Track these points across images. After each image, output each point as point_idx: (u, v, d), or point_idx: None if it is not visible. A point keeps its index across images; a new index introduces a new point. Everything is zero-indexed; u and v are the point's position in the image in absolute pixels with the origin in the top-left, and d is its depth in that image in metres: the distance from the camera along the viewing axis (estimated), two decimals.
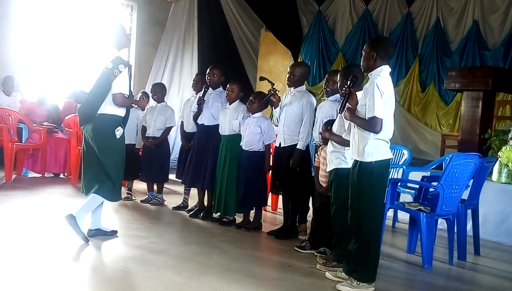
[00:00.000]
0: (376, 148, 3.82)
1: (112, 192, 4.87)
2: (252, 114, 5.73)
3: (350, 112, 3.95)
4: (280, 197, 5.82)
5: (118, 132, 4.82)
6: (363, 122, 3.83)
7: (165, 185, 7.10)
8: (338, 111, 4.18)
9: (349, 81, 4.06)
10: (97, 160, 4.81)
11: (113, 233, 5.05)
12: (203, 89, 6.18)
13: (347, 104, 4.01)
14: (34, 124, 8.32)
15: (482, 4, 10.36)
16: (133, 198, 6.99)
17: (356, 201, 3.95)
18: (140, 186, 7.47)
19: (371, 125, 3.77)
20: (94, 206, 4.87)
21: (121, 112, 4.85)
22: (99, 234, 4.92)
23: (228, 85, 5.96)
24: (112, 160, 4.84)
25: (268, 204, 6.66)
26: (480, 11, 10.36)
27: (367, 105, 3.79)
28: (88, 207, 4.83)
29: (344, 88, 4.07)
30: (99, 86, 4.74)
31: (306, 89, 5.57)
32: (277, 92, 5.49)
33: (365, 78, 4.23)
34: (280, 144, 5.46)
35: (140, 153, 7.19)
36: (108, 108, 4.76)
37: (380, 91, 3.74)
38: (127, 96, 4.83)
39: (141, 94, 8.76)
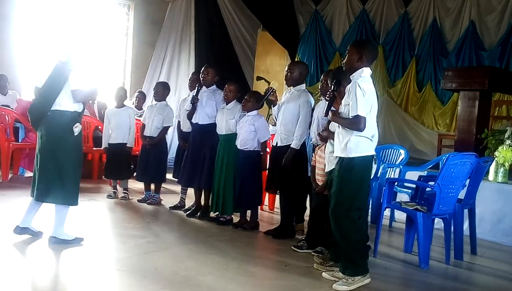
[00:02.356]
0: (358, 145, 3.90)
1: (71, 195, 4.58)
2: (247, 113, 5.73)
3: (333, 114, 4.06)
4: (277, 196, 5.82)
5: (77, 128, 4.54)
6: (347, 121, 3.92)
7: (162, 185, 7.09)
8: (323, 114, 4.31)
9: (333, 86, 4.21)
10: (53, 163, 4.51)
11: (39, 234, 4.74)
12: (197, 88, 6.19)
13: (332, 107, 4.14)
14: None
15: (478, 5, 10.41)
16: (130, 197, 6.98)
17: (335, 197, 4.03)
18: (136, 185, 7.46)
19: (355, 123, 3.86)
20: (64, 214, 4.62)
21: (78, 107, 4.58)
22: (26, 233, 4.67)
23: (226, 86, 5.97)
24: (69, 160, 4.55)
25: (265, 204, 6.66)
26: (477, 11, 10.40)
27: (350, 105, 3.89)
28: (60, 220, 4.60)
29: (328, 92, 4.23)
30: (53, 81, 4.46)
31: (305, 89, 5.58)
32: (274, 90, 5.50)
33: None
34: (277, 143, 5.46)
35: (132, 152, 7.20)
36: (64, 104, 4.48)
37: (362, 91, 3.84)
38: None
39: (137, 93, 8.81)
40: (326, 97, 4.34)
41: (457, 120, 8.10)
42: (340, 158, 4.02)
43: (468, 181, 5.16)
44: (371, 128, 3.93)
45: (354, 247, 4.01)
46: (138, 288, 3.72)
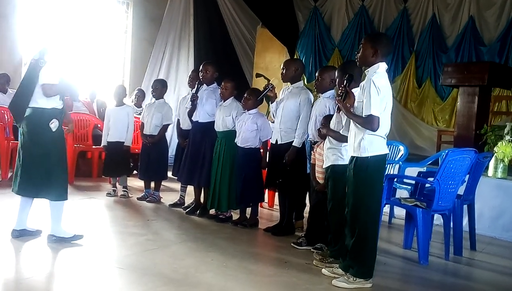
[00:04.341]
0: (372, 143, 3.83)
1: (59, 191, 4.58)
2: (247, 110, 5.73)
3: (346, 109, 3.97)
4: (277, 193, 5.82)
5: (53, 125, 4.50)
6: (360, 120, 3.85)
7: (162, 182, 7.09)
8: (336, 110, 4.23)
9: (345, 81, 4.08)
10: (34, 159, 4.51)
11: (38, 233, 4.75)
12: (196, 85, 6.19)
13: (345, 102, 4.01)
14: None
15: (478, 0, 10.37)
16: (129, 195, 6.98)
17: (352, 196, 3.96)
18: (136, 183, 7.46)
19: (368, 123, 3.78)
20: (60, 211, 4.61)
21: (56, 104, 4.57)
22: (24, 235, 4.64)
23: (222, 83, 5.97)
24: (51, 156, 4.54)
25: (265, 201, 6.66)
26: (476, 6, 10.38)
27: (363, 103, 3.81)
28: (56, 218, 4.59)
29: (341, 88, 4.10)
30: (27, 79, 4.51)
31: (304, 85, 5.58)
32: (273, 87, 5.50)
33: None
34: (276, 141, 5.46)
35: (130, 150, 7.20)
36: (40, 101, 4.49)
37: (377, 89, 3.75)
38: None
39: (137, 91, 8.81)
40: (339, 93, 4.22)
41: (457, 116, 8.09)
42: (353, 157, 3.95)
43: (467, 176, 5.16)
44: (385, 126, 3.86)
45: (366, 248, 3.96)
46: (138, 285, 3.72)
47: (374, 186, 3.93)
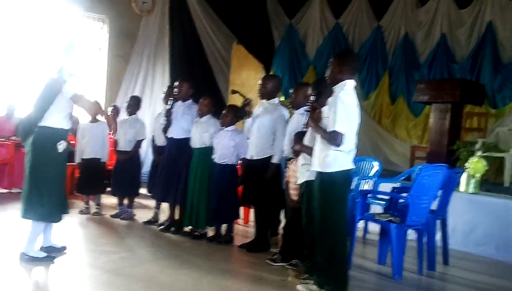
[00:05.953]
0: (337, 159, 3.89)
1: (51, 212, 4.53)
2: (225, 127, 5.74)
3: (313, 124, 4.03)
4: (252, 210, 5.82)
5: (61, 146, 4.53)
6: (326, 135, 3.90)
7: (135, 199, 7.03)
8: (302, 124, 4.27)
9: (313, 97, 4.18)
10: (34, 178, 4.49)
11: (63, 249, 4.86)
12: (169, 101, 6.18)
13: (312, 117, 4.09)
14: (2, 139, 8.19)
15: (449, 18, 10.58)
16: (102, 212, 6.89)
17: (319, 211, 4.00)
18: (109, 200, 7.38)
19: (332, 138, 3.85)
20: (38, 232, 4.58)
21: (65, 125, 4.61)
22: (52, 251, 4.70)
23: (200, 100, 5.97)
24: (52, 175, 4.52)
25: (240, 217, 6.64)
26: (448, 25, 10.58)
27: (330, 119, 3.88)
28: (32, 237, 4.54)
29: (308, 103, 4.20)
30: (44, 97, 4.51)
31: (280, 102, 5.61)
32: (251, 101, 5.54)
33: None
34: (251, 157, 5.46)
35: (106, 167, 7.14)
36: (51, 120, 4.51)
37: (344, 105, 3.81)
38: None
39: (111, 107, 8.72)
40: (306, 108, 4.31)
41: (429, 132, 8.22)
42: (318, 172, 4.01)
43: (440, 192, 5.22)
44: (350, 143, 3.91)
45: (336, 262, 3.97)
46: None
47: (339, 201, 3.98)
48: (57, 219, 4.66)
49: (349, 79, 3.97)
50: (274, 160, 5.27)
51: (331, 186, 3.92)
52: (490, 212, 6.03)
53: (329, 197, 3.95)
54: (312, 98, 4.21)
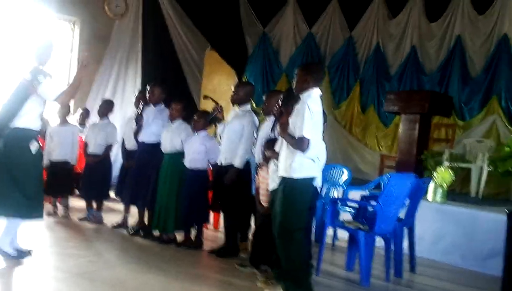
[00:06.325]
0: (302, 165, 3.97)
1: (27, 211, 4.52)
2: (197, 132, 5.73)
3: (281, 129, 4.09)
4: (222, 215, 5.81)
5: (33, 147, 4.53)
6: (293, 140, 3.97)
7: (104, 203, 6.96)
8: (271, 130, 4.32)
9: (281, 103, 4.30)
10: (9, 178, 4.46)
11: (28, 252, 4.70)
12: (142, 106, 6.15)
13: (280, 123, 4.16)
14: None
15: (420, 31, 10.76)
16: (70, 215, 6.80)
17: (280, 217, 4.05)
18: (77, 203, 7.28)
19: (298, 144, 3.92)
20: (15, 228, 4.57)
21: (36, 126, 4.60)
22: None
23: (172, 104, 5.96)
24: (27, 176, 4.52)
25: (209, 222, 6.62)
26: (418, 37, 10.75)
27: (297, 125, 3.95)
28: (8, 233, 4.54)
29: (275, 109, 4.32)
30: (15, 98, 4.49)
31: (251, 108, 5.63)
32: (222, 108, 5.55)
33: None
34: (221, 162, 5.47)
35: (75, 169, 7.06)
36: (22, 121, 4.50)
37: (311, 112, 3.92)
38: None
39: (81, 110, 8.64)
40: (274, 114, 4.40)
41: (399, 142, 8.34)
42: (283, 178, 4.05)
43: (408, 200, 5.29)
44: (316, 149, 3.99)
45: (298, 267, 4.05)
46: None
47: (300, 207, 4.05)
48: (35, 216, 4.64)
49: (314, 88, 4.08)
50: (236, 164, 5.28)
51: (293, 191, 4.00)
52: (456, 221, 6.13)
53: (291, 202, 4.02)
54: (280, 105, 4.29)
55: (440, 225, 6.22)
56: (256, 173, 5.02)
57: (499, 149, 7.62)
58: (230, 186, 5.27)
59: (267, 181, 4.59)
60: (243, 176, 5.31)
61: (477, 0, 9.95)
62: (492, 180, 7.79)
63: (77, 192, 7.47)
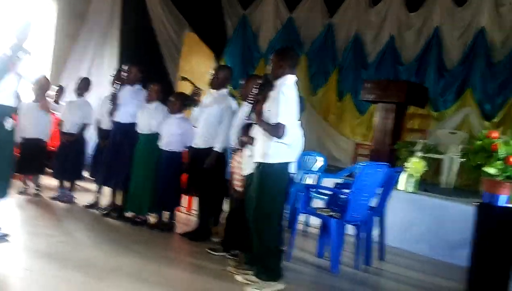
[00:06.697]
0: (278, 151, 4.00)
1: (3, 187, 4.49)
2: (173, 114, 5.70)
3: (256, 116, 4.12)
4: (195, 198, 5.82)
5: (8, 123, 4.47)
6: (269, 127, 3.99)
7: (77, 183, 6.89)
8: (245, 117, 4.31)
9: (257, 89, 4.28)
10: None
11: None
12: (118, 85, 6.09)
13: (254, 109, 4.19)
14: None
15: (399, 21, 10.82)
16: (42, 194, 6.73)
17: (256, 202, 4.08)
18: (49, 182, 7.19)
19: (275, 130, 3.95)
20: None
21: (11, 102, 4.52)
22: None
23: (150, 86, 5.91)
24: (4, 153, 4.48)
25: (183, 205, 6.62)
26: (397, 27, 10.82)
27: (272, 111, 3.96)
28: None
29: (252, 96, 4.31)
30: None
31: (229, 92, 5.62)
32: (201, 91, 5.54)
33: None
34: (198, 145, 5.46)
35: (48, 147, 6.96)
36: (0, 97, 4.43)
37: (286, 98, 3.94)
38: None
39: (57, 88, 8.49)
40: (249, 101, 4.41)
41: (374, 130, 8.41)
42: (259, 163, 4.08)
43: (380, 189, 5.36)
44: (291, 135, 4.01)
45: (271, 251, 4.10)
46: (47, 289, 3.60)
47: (276, 192, 4.09)
48: (3, 195, 4.59)
49: (290, 74, 4.09)
50: (216, 148, 5.29)
51: (270, 177, 4.03)
52: (426, 211, 6.24)
53: (267, 187, 4.05)
54: (255, 91, 4.30)
55: (410, 214, 6.32)
56: (231, 158, 5.02)
57: (471, 142, 7.73)
58: (206, 170, 5.27)
59: (242, 165, 4.60)
60: (219, 160, 5.32)
61: None
62: (463, 171, 7.93)
63: (49, 170, 7.39)
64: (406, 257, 6.02)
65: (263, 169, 4.05)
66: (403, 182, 6.43)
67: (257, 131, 4.25)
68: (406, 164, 6.40)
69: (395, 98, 7.88)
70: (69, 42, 10.69)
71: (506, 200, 3.58)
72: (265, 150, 4.02)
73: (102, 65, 10.79)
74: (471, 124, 9.20)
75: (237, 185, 4.77)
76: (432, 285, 5.12)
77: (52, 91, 8.37)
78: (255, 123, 4.23)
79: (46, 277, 3.82)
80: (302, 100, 4.35)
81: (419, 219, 6.28)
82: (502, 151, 3.60)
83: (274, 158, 4.00)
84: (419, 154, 6.77)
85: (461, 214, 5.82)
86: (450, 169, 8.00)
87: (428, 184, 7.61)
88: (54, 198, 6.61)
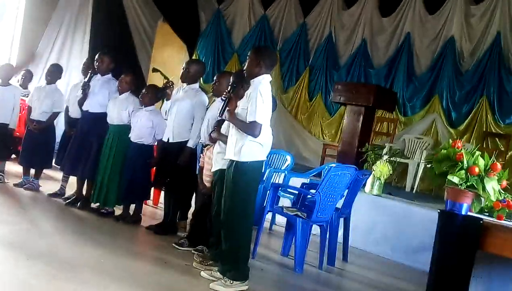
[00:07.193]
0: (252, 149, 4.01)
1: None
2: (144, 107, 5.66)
3: (230, 114, 4.10)
4: (163, 192, 5.80)
5: None
6: (244, 125, 3.99)
7: (43, 171, 6.77)
8: (218, 114, 4.31)
9: (230, 87, 4.29)
10: None
11: None
12: (89, 74, 6.01)
13: (227, 107, 4.17)
14: None
15: (371, 24, 10.93)
16: (5, 180, 6.60)
17: (229, 200, 4.08)
18: (13, 168, 7.06)
19: (251, 129, 3.95)
20: None
21: None
22: None
23: (122, 76, 5.85)
24: None
25: (150, 198, 6.58)
26: (369, 30, 10.92)
27: (248, 110, 3.98)
28: None
29: (225, 93, 4.31)
30: None
31: (200, 87, 5.61)
32: (173, 84, 5.51)
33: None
34: (168, 139, 5.43)
35: (14, 133, 6.81)
36: None
37: (263, 98, 3.94)
38: None
39: (24, 72, 8.31)
40: (222, 98, 4.41)
41: (342, 132, 8.50)
42: (232, 161, 4.08)
43: (346, 191, 5.43)
44: (264, 134, 4.03)
45: (240, 251, 4.09)
46: (8, 277, 3.54)
47: (249, 191, 4.10)
48: None
49: (265, 74, 4.10)
50: (190, 144, 5.28)
51: (243, 175, 4.02)
52: (389, 214, 6.35)
53: (240, 186, 4.04)
54: (229, 89, 4.30)
55: (374, 217, 6.42)
56: (202, 153, 5.01)
57: (437, 149, 7.88)
58: (175, 164, 5.25)
59: (212, 161, 4.60)
60: (190, 156, 5.30)
61: (429, 0, 10.19)
62: (427, 176, 8.07)
63: (13, 156, 7.25)
64: (369, 258, 6.13)
65: (236, 167, 4.03)
66: (369, 184, 6.52)
67: (229, 129, 4.25)
68: (373, 167, 6.49)
69: (364, 101, 7.97)
70: (39, 26, 10.46)
71: (467, 208, 3.66)
72: (239, 148, 4.01)
73: (72, 52, 10.63)
74: (438, 131, 9.38)
75: (206, 180, 4.77)
76: (392, 287, 5.22)
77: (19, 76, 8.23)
78: (227, 120, 4.22)
79: (7, 265, 3.76)
80: (274, 100, 4.38)
81: (382, 221, 6.38)
82: (466, 161, 3.68)
83: (248, 156, 4.00)
84: (386, 157, 6.87)
85: (423, 218, 5.95)
86: (415, 174, 8.15)
87: (392, 187, 7.74)
88: (17, 185, 6.48)
